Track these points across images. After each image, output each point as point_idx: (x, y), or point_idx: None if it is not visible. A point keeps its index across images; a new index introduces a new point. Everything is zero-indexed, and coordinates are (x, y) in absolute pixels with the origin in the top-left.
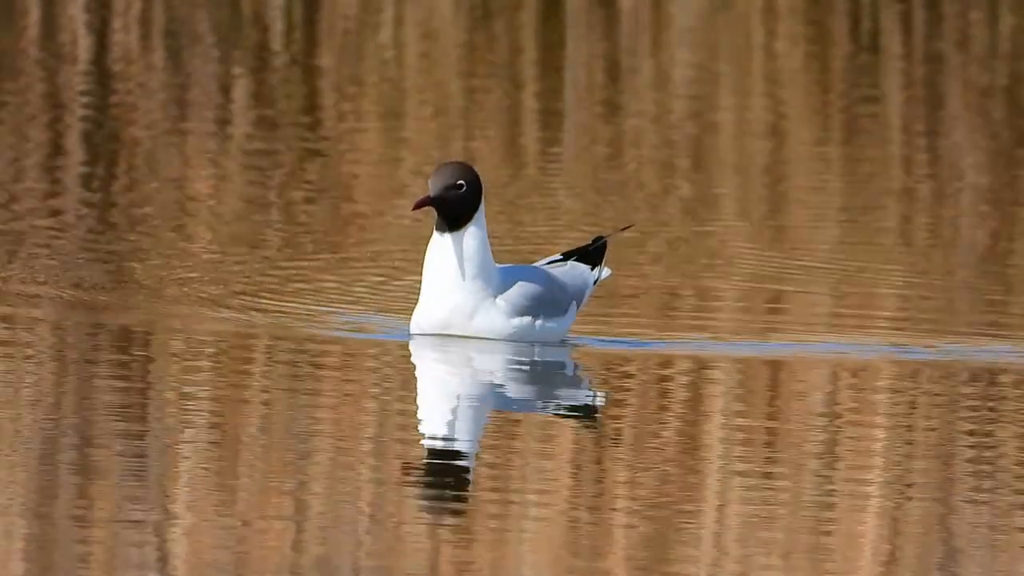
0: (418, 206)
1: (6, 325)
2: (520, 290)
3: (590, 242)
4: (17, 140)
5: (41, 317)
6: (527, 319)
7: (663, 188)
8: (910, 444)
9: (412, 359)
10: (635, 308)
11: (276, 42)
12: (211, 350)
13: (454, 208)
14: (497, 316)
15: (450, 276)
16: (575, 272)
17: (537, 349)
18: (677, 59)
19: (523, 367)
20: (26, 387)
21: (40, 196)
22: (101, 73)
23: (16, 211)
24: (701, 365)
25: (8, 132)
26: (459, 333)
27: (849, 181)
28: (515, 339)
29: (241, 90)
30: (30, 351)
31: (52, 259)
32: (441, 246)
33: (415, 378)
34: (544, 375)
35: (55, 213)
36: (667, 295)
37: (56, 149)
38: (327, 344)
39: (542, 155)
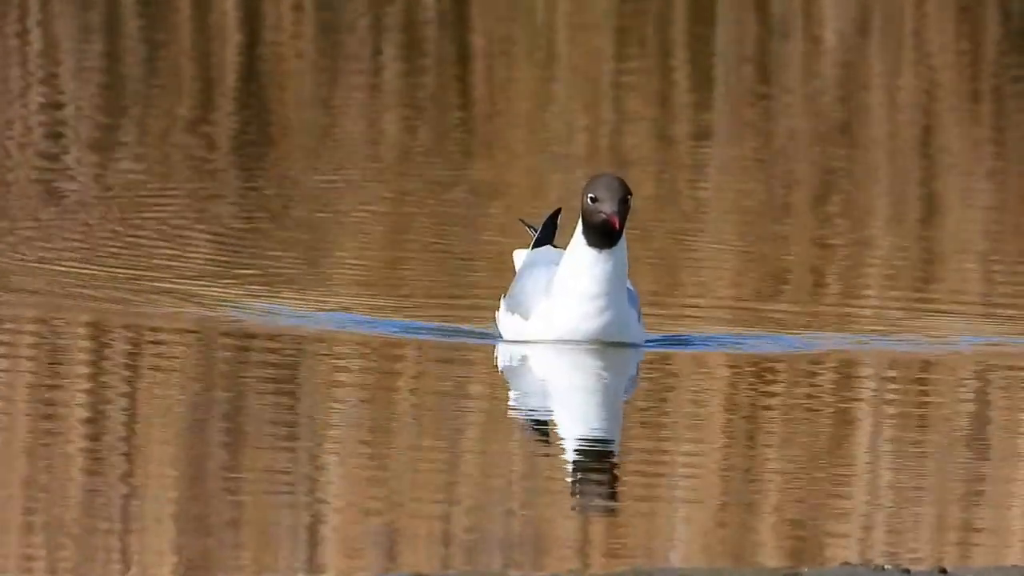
0: (621, 227)
1: (153, 335)
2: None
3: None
4: (169, 108)
5: (188, 325)
6: (642, 324)
7: (812, 169)
8: None
9: (553, 362)
10: (781, 297)
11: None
12: (360, 348)
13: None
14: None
15: (609, 290)
16: None
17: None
18: (827, 28)
19: (659, 366)
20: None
21: (189, 180)
22: (252, 37)
23: (168, 199)
24: (848, 358)
25: (161, 100)
26: (608, 340)
27: (1000, 163)
28: (641, 342)
29: (391, 49)
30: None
31: (203, 249)
32: (598, 259)
33: (551, 378)
34: (684, 372)
35: (209, 199)
36: (812, 282)
37: (204, 128)
38: (470, 350)
39: (691, 128)
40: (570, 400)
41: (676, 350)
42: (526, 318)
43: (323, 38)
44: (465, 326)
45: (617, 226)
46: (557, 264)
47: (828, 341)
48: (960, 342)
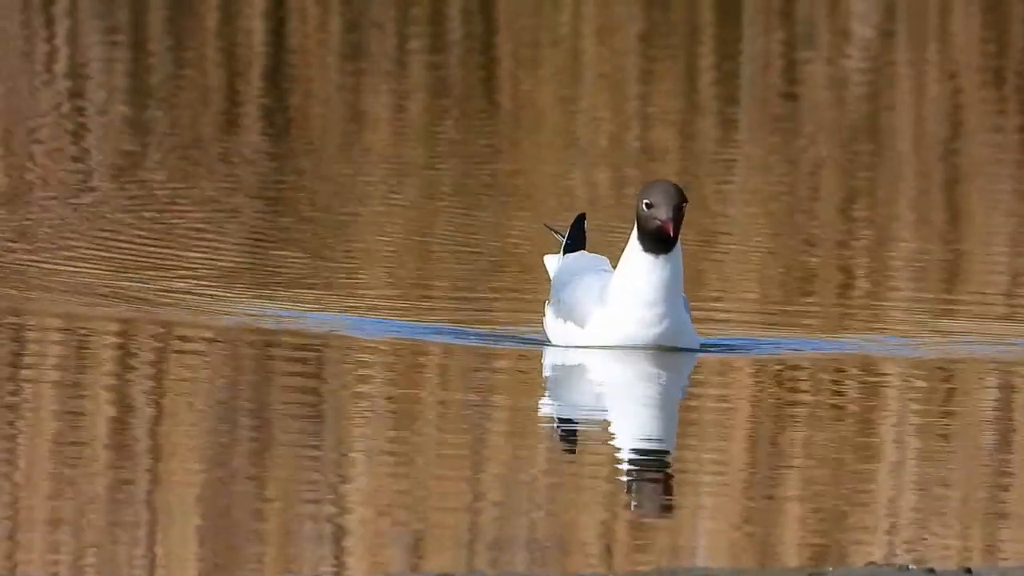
0: (676, 234)
1: (182, 337)
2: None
3: (567, 234)
4: (195, 112)
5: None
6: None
7: (838, 168)
8: None
9: (599, 366)
10: (808, 300)
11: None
12: (384, 353)
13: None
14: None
15: (666, 296)
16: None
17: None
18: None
19: (697, 370)
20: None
21: (214, 179)
22: (277, 28)
23: (187, 202)
24: (870, 363)
25: (189, 99)
26: (664, 346)
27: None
28: (696, 347)
29: (417, 47)
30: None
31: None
32: (654, 265)
33: (595, 382)
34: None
35: (234, 199)
36: (839, 286)
37: (232, 123)
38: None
39: (717, 125)
40: (607, 403)
41: (727, 355)
42: (581, 325)
43: (348, 32)
44: (498, 329)
45: (672, 233)
46: (603, 270)
47: (868, 345)
48: (988, 344)
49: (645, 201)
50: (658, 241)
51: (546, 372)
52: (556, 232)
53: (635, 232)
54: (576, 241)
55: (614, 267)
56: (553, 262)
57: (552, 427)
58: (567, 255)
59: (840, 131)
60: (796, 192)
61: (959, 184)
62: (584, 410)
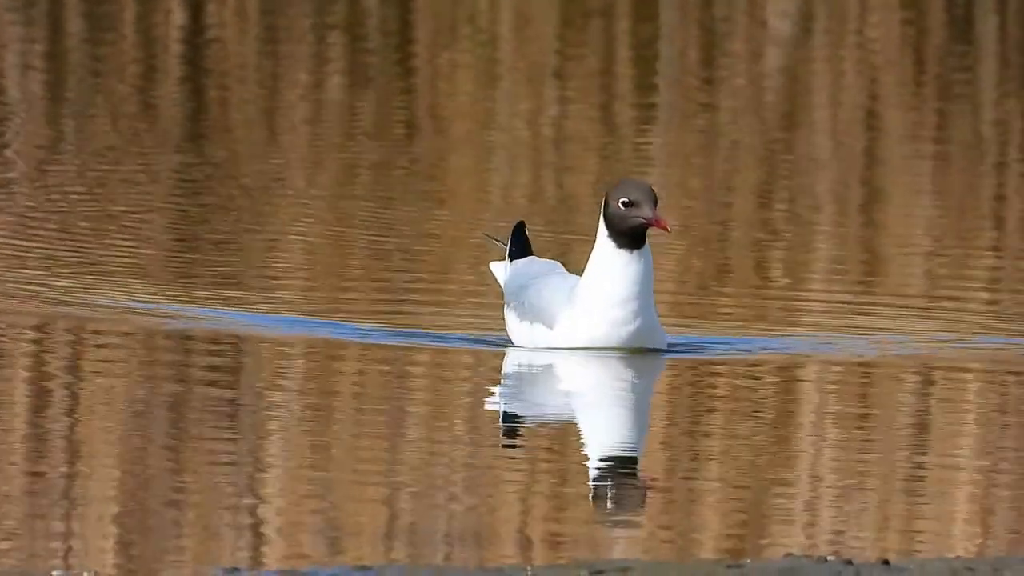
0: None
1: (98, 334)
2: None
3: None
4: (112, 113)
5: (132, 327)
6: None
7: (755, 157)
8: (1005, 430)
9: (559, 367)
10: (724, 299)
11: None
12: (300, 355)
13: None
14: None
15: (639, 293)
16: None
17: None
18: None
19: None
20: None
21: (133, 177)
22: (195, 15)
23: (103, 197)
24: (790, 361)
25: (105, 102)
26: (637, 346)
27: (942, 161)
28: (663, 347)
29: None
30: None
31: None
32: (630, 260)
33: (540, 381)
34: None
35: (151, 193)
36: (754, 286)
37: (150, 120)
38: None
39: (635, 122)
40: (531, 398)
41: (693, 356)
42: (550, 326)
43: (266, 15)
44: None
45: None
46: (562, 273)
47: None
48: (904, 342)
49: (622, 200)
50: (635, 238)
51: (465, 369)
52: (497, 241)
53: (603, 232)
54: (520, 248)
55: (570, 270)
56: (500, 269)
57: (474, 422)
58: (515, 261)
59: (758, 117)
60: (714, 182)
61: (877, 168)
62: (508, 405)
